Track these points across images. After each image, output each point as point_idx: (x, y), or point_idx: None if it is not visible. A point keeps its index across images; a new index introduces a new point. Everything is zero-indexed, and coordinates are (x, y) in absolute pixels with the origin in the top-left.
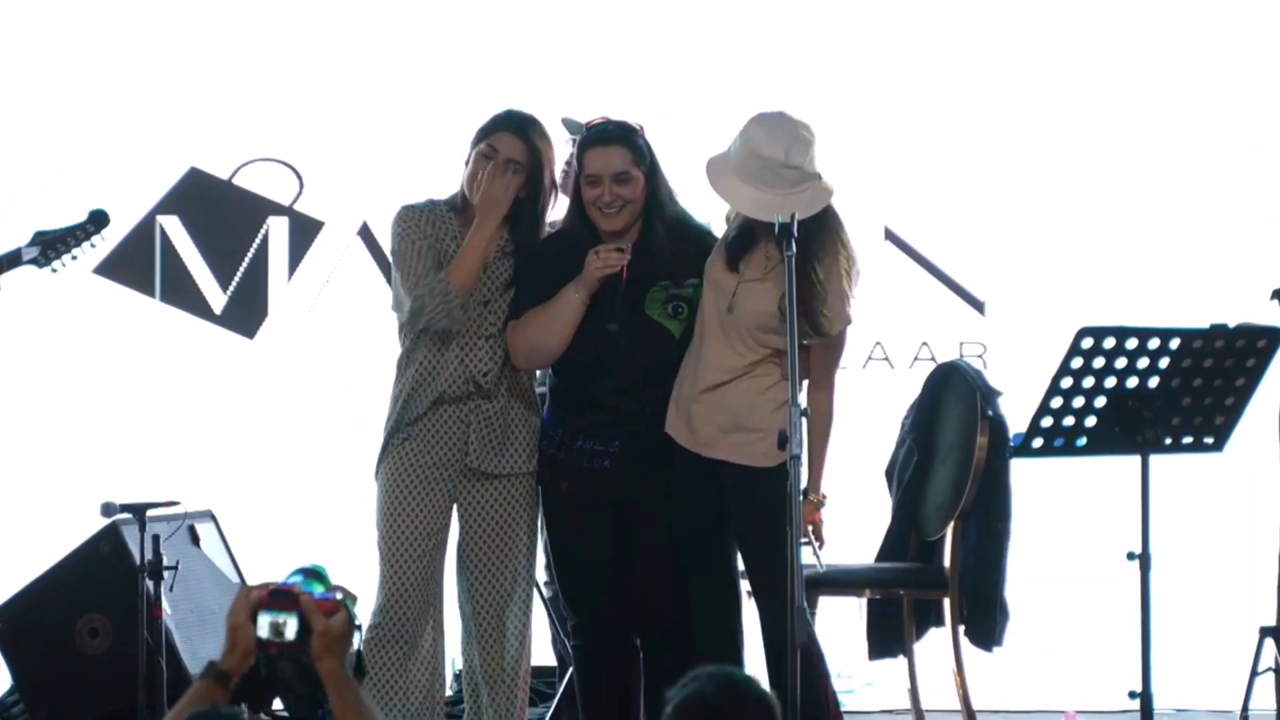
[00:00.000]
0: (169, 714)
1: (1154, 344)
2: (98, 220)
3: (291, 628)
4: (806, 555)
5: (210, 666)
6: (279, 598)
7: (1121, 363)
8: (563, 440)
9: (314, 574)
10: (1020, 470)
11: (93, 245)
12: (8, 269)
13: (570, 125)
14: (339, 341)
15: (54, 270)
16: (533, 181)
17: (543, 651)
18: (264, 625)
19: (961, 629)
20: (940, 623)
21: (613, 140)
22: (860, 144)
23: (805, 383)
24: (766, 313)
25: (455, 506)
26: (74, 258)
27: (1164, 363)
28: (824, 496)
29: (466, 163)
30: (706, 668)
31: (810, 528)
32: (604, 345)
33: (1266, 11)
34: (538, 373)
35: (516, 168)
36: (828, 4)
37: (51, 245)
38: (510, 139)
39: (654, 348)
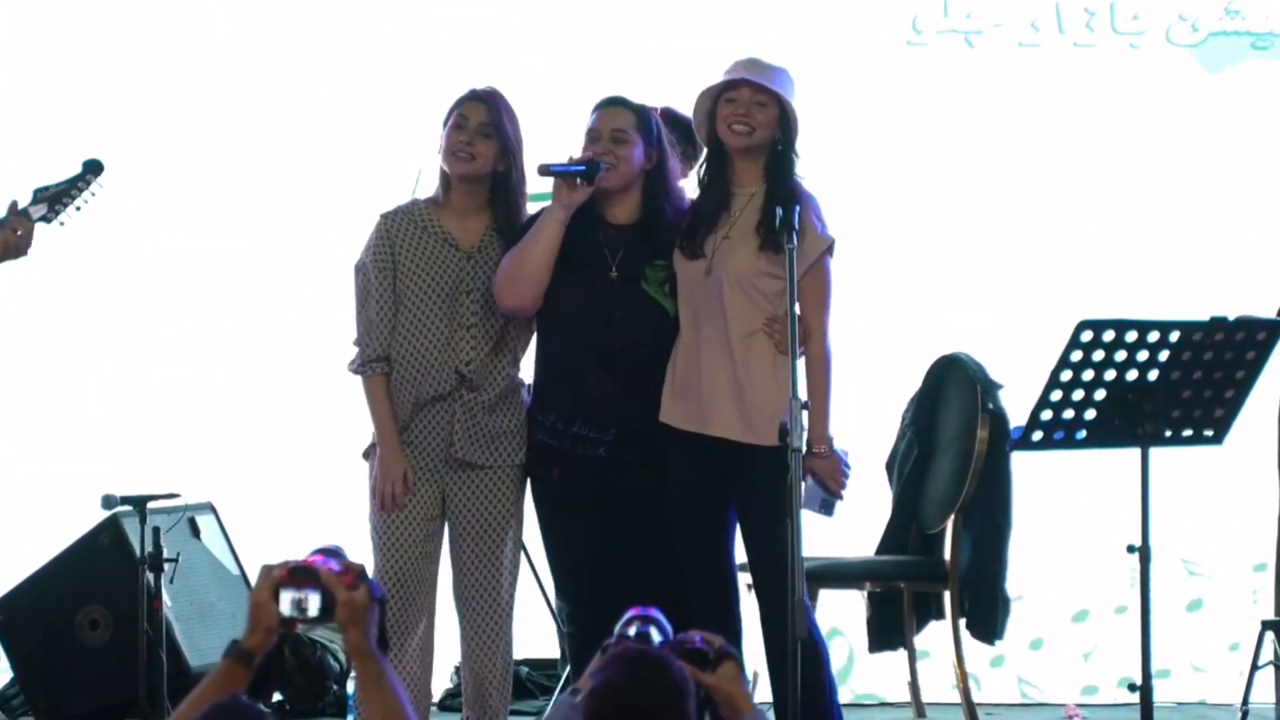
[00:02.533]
0: (191, 695)
1: (1153, 337)
2: (94, 168)
3: (314, 604)
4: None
5: (233, 645)
6: (300, 574)
7: (1121, 355)
8: (555, 425)
9: (332, 553)
10: (1020, 463)
11: (93, 194)
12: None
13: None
14: (339, 334)
15: (61, 224)
16: (505, 151)
17: (548, 644)
18: (286, 603)
19: (962, 622)
20: (940, 616)
21: (621, 104)
22: (854, 139)
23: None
24: (747, 259)
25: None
26: (78, 209)
27: (1163, 355)
28: (829, 445)
29: (440, 143)
30: (621, 647)
31: (812, 476)
32: (599, 318)
33: (1263, 8)
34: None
35: (488, 130)
36: (824, 5)
37: (57, 199)
38: (476, 106)
39: (649, 322)
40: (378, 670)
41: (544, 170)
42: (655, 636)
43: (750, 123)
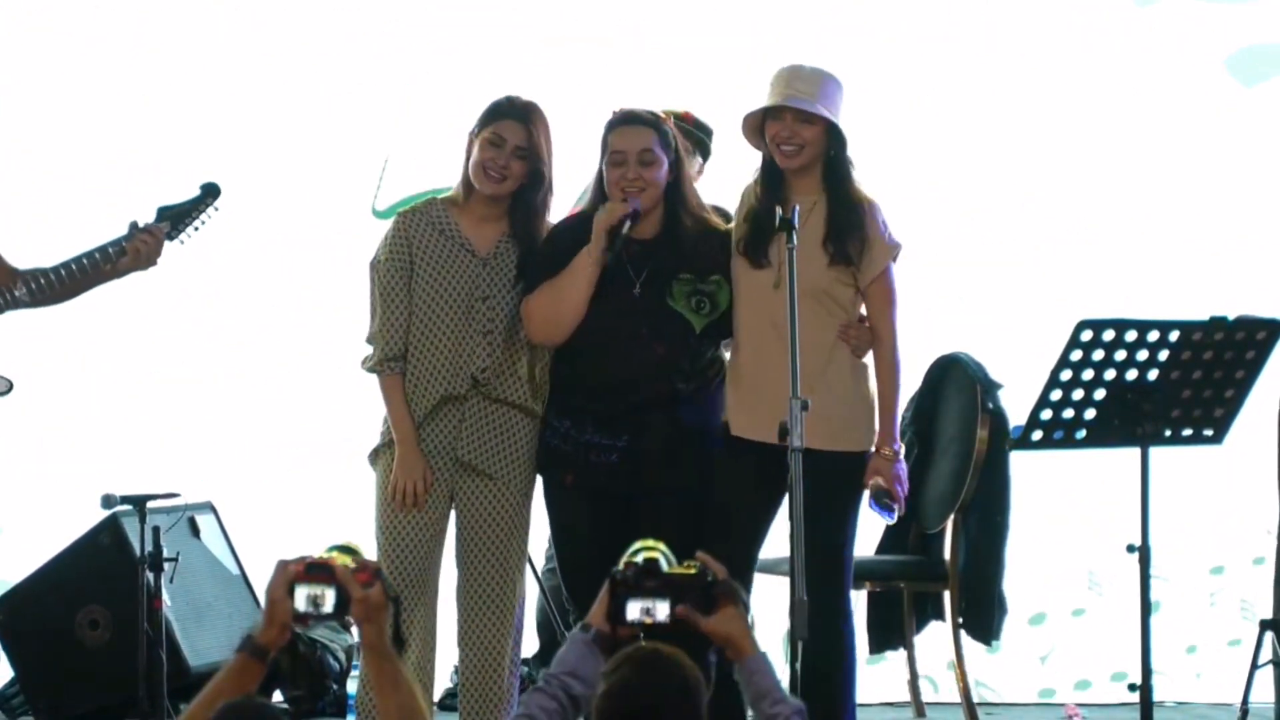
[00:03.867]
0: (204, 690)
1: (1153, 336)
2: (213, 191)
3: (329, 600)
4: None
5: (247, 640)
6: (316, 570)
7: (1121, 355)
8: (569, 432)
9: (348, 550)
10: (1019, 463)
11: (209, 216)
12: None
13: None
14: (339, 334)
15: (182, 242)
16: (533, 168)
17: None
18: (301, 598)
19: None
20: (940, 616)
21: (640, 122)
22: (853, 139)
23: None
24: (818, 270)
25: (454, 502)
26: (196, 229)
27: (1163, 355)
28: (897, 450)
29: (468, 151)
30: (634, 647)
31: (879, 481)
32: (623, 332)
33: (1263, 10)
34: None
35: (524, 153)
36: (824, 6)
37: (180, 218)
38: (514, 126)
39: (674, 338)
40: (393, 669)
41: (605, 261)
42: (664, 564)
43: (797, 141)
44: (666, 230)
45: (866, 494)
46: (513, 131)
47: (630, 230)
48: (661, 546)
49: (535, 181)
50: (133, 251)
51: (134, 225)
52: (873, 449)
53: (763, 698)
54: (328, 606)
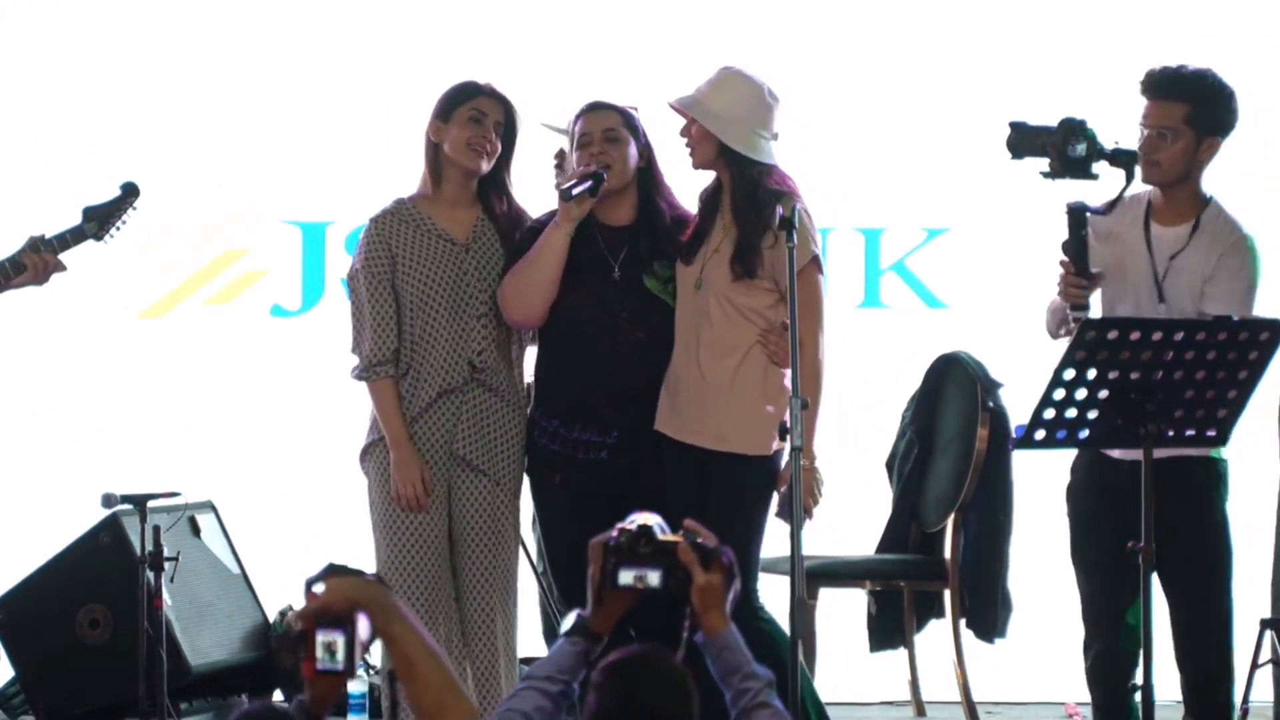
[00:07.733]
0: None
1: (1157, 336)
2: (132, 191)
3: (341, 644)
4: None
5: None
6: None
7: (1124, 355)
8: (557, 431)
9: (343, 570)
10: (1021, 462)
11: (134, 209)
12: (73, 244)
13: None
14: (339, 334)
15: (106, 242)
16: (506, 145)
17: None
18: (320, 647)
19: (963, 621)
20: (941, 614)
21: (605, 107)
22: (854, 138)
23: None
24: (729, 271)
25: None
26: (118, 228)
27: (1167, 355)
28: (812, 460)
29: (435, 139)
30: (621, 658)
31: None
32: (606, 322)
33: (1265, 8)
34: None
35: (500, 129)
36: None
37: (105, 219)
38: (492, 103)
39: (656, 322)
40: (404, 650)
41: (566, 195)
42: (659, 534)
43: (690, 141)
44: (642, 216)
45: (776, 500)
46: (491, 108)
47: (595, 190)
48: (655, 518)
49: (505, 159)
50: (33, 267)
51: (37, 241)
52: (772, 452)
53: (734, 673)
54: (341, 653)
